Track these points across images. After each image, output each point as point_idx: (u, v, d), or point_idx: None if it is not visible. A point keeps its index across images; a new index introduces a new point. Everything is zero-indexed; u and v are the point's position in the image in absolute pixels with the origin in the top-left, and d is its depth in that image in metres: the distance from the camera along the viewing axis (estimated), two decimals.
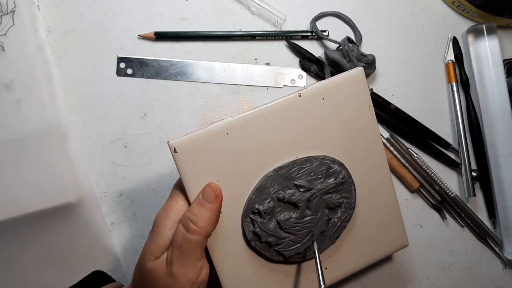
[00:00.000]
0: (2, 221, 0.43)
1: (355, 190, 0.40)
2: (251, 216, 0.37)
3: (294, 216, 0.38)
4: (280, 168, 0.38)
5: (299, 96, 0.38)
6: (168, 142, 0.35)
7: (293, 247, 0.38)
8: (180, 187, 0.37)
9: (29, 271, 0.45)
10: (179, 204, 0.36)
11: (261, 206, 0.37)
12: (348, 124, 0.39)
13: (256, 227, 0.37)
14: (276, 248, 0.38)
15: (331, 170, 0.38)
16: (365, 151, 0.40)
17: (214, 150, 0.36)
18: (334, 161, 0.39)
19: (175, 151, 0.35)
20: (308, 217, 0.38)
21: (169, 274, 0.34)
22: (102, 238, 0.47)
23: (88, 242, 0.46)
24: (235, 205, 0.37)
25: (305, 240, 0.38)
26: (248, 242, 0.38)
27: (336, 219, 0.39)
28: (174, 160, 0.35)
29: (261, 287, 0.39)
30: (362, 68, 0.39)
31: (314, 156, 0.38)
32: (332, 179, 0.39)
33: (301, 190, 0.38)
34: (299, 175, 0.38)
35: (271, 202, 0.37)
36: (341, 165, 0.39)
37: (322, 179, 0.38)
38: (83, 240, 0.46)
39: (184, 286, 0.33)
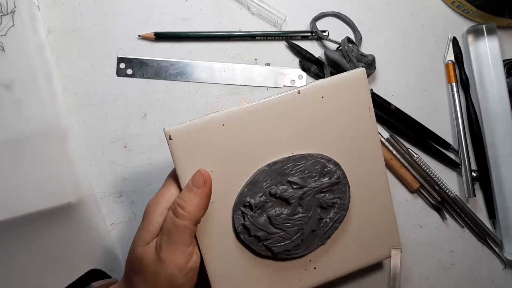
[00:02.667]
0: (2, 221, 0.43)
1: (349, 191, 0.39)
2: (242, 209, 0.37)
3: (285, 212, 0.38)
4: (275, 163, 0.38)
5: (298, 92, 0.38)
6: (164, 129, 0.36)
7: (282, 243, 0.38)
8: (173, 176, 0.37)
9: (29, 271, 0.45)
10: (171, 192, 0.36)
11: (252, 200, 0.37)
12: (346, 124, 0.39)
13: (246, 220, 0.37)
14: (265, 243, 0.38)
15: (326, 169, 0.38)
16: (362, 153, 0.40)
17: (209, 140, 0.36)
18: (329, 160, 0.39)
19: (170, 138, 0.36)
20: (300, 215, 0.38)
21: (157, 260, 0.34)
22: (102, 238, 0.47)
23: (88, 242, 0.46)
24: (227, 197, 0.37)
25: (294, 237, 0.38)
26: (237, 235, 0.38)
27: (328, 219, 0.39)
28: (169, 147, 0.36)
29: (247, 280, 0.39)
30: (364, 69, 0.39)
31: (309, 154, 0.38)
32: (327, 178, 0.38)
33: (294, 187, 0.38)
34: (293, 172, 0.38)
35: (263, 196, 0.37)
36: (336, 165, 0.39)
37: (316, 178, 0.38)
38: (83, 240, 0.46)
39: (172, 272, 0.33)
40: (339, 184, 0.39)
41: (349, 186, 0.39)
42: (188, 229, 0.34)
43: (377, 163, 0.40)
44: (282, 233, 0.38)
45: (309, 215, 0.38)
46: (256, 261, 0.39)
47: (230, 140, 0.37)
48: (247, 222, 0.37)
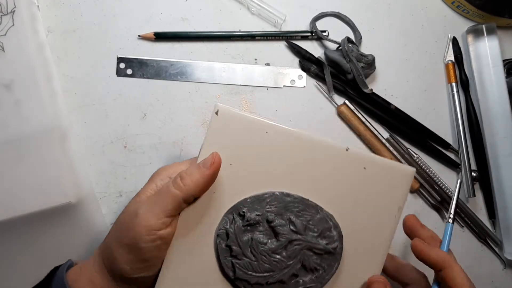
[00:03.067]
0: (2, 221, 0.43)
1: (336, 269, 0.37)
2: (234, 214, 0.36)
3: (268, 245, 0.36)
4: (288, 195, 0.37)
5: (346, 150, 0.37)
6: (216, 103, 0.36)
7: (248, 271, 0.36)
8: (193, 160, 0.38)
9: (29, 271, 0.45)
10: (181, 167, 0.37)
11: (248, 213, 0.36)
12: (370, 206, 0.37)
13: (231, 227, 0.36)
14: (233, 260, 0.36)
15: (328, 233, 0.37)
16: (368, 242, 0.38)
17: (246, 137, 0.36)
18: (336, 227, 0.37)
19: (216, 113, 0.36)
20: (279, 256, 0.36)
21: (134, 214, 0.34)
22: (102, 238, 0.46)
23: (88, 242, 0.46)
24: (229, 196, 0.37)
25: (261, 274, 0.36)
26: (215, 236, 0.36)
27: (301, 281, 0.36)
28: (210, 121, 0.36)
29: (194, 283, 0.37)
30: (414, 169, 0.38)
31: (322, 208, 0.37)
32: (324, 242, 0.36)
33: (291, 228, 0.36)
34: (299, 214, 0.37)
35: (260, 217, 0.36)
36: (340, 236, 0.37)
37: (316, 235, 0.37)
38: (83, 241, 0.46)
39: (139, 230, 0.33)
40: (331, 256, 0.36)
41: (339, 264, 0.37)
42: (176, 200, 0.34)
43: (376, 262, 0.38)
44: (255, 262, 0.36)
45: (288, 263, 0.36)
46: (214, 275, 0.37)
47: (263, 150, 0.36)
48: (231, 229, 0.36)
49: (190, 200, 0.35)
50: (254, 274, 0.36)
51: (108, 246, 0.35)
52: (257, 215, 0.36)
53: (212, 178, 0.35)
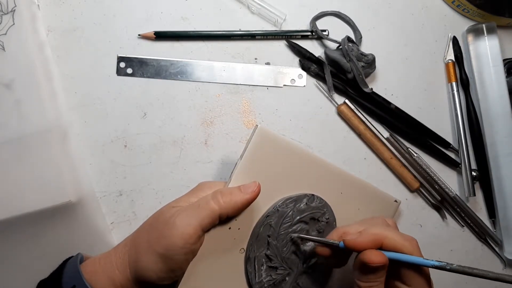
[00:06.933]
0: (2, 220, 0.43)
1: None
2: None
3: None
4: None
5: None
6: (258, 124, 0.39)
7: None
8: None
9: (29, 270, 0.45)
10: (222, 185, 0.38)
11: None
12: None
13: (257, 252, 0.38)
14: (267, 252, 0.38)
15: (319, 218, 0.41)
16: None
17: (280, 160, 0.39)
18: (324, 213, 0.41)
19: (257, 133, 0.39)
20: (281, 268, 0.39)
21: (170, 223, 0.33)
22: (102, 237, 0.47)
23: (88, 241, 0.46)
24: (257, 211, 0.38)
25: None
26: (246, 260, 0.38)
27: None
28: (250, 139, 0.38)
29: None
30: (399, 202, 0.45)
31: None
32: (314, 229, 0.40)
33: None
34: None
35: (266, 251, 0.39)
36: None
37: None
38: (83, 240, 0.46)
39: (175, 241, 0.33)
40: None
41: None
42: (213, 215, 0.34)
43: None
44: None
45: (289, 266, 0.39)
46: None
47: (292, 172, 0.40)
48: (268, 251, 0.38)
49: (224, 218, 0.35)
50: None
51: (137, 250, 0.35)
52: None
53: (249, 203, 0.36)
